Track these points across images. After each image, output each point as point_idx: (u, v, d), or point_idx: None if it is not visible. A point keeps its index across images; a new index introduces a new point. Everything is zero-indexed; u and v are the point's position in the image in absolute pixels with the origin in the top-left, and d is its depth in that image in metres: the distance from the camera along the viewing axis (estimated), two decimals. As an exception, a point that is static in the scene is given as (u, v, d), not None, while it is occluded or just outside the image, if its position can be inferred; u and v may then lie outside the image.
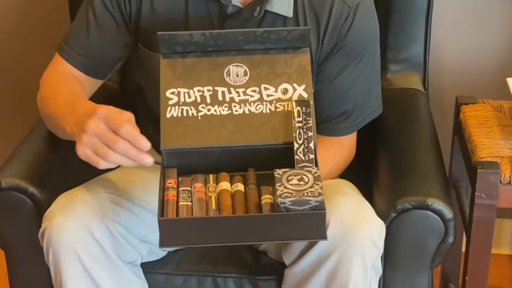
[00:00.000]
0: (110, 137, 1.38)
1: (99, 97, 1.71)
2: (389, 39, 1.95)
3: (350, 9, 1.61)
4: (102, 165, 1.40)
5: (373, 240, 1.49)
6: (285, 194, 1.36)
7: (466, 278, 1.71)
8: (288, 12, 1.60)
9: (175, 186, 1.44)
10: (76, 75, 1.67)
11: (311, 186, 1.37)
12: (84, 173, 1.65)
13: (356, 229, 1.48)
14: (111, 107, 1.42)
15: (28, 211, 1.60)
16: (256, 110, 1.49)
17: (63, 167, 1.69)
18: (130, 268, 1.58)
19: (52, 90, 1.61)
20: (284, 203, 1.36)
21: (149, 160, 1.39)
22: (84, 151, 1.41)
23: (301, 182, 1.38)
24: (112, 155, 1.38)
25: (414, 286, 1.62)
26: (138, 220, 1.58)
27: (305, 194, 1.36)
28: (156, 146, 1.53)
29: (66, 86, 1.62)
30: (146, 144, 1.39)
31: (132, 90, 1.80)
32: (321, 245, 1.49)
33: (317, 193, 1.36)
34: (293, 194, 1.36)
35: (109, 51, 1.68)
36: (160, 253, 1.68)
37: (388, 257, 1.59)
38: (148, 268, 1.64)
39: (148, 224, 1.59)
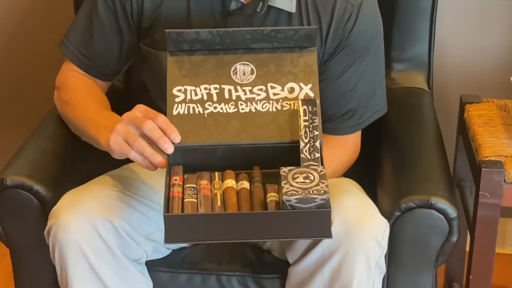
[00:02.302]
0: (142, 118, 1.43)
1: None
2: (393, 37, 1.95)
3: (353, 8, 1.61)
4: (131, 155, 1.44)
5: (376, 239, 1.49)
6: (290, 192, 1.36)
7: (470, 277, 1.71)
8: (291, 7, 1.60)
9: (181, 183, 1.44)
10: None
11: (317, 184, 1.38)
12: (90, 171, 1.66)
13: (360, 227, 1.48)
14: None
15: (33, 209, 1.60)
16: (263, 108, 1.50)
17: (68, 165, 1.69)
18: (135, 266, 1.58)
19: (76, 98, 1.65)
20: (289, 200, 1.36)
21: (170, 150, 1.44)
22: (116, 140, 1.45)
23: (307, 180, 1.38)
24: (144, 146, 1.42)
25: (418, 285, 1.61)
26: (144, 218, 1.58)
27: (311, 192, 1.36)
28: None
29: (92, 97, 1.66)
30: (178, 136, 1.44)
31: (137, 88, 1.80)
32: (324, 244, 1.49)
33: (322, 191, 1.36)
34: (299, 192, 1.36)
35: (113, 54, 1.68)
36: (165, 251, 1.68)
37: (392, 256, 1.59)
38: (152, 266, 1.64)
39: (153, 222, 1.59)
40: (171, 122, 1.46)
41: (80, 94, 1.65)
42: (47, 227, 1.53)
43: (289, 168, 1.41)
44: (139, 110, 1.47)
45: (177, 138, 1.44)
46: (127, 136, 1.44)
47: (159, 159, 1.43)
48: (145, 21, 1.64)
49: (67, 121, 1.69)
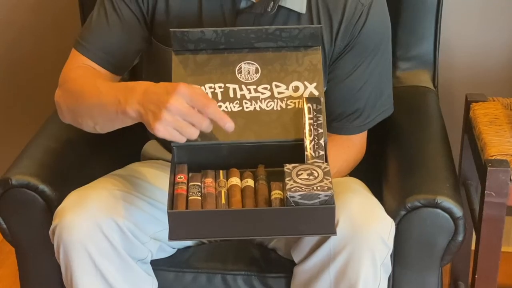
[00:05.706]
0: (197, 116, 1.40)
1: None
2: (399, 36, 1.95)
3: (363, 7, 1.60)
4: (184, 140, 1.41)
5: (382, 238, 1.49)
6: (294, 188, 1.36)
7: (476, 276, 1.71)
8: (301, 8, 1.59)
9: (185, 181, 1.45)
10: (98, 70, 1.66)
11: (321, 181, 1.37)
12: (95, 170, 1.66)
13: (366, 227, 1.48)
14: (191, 85, 1.43)
15: (38, 208, 1.61)
16: (267, 107, 1.50)
17: (73, 165, 1.70)
18: (140, 265, 1.58)
19: (84, 82, 1.58)
20: (293, 197, 1.36)
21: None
22: (166, 129, 1.40)
23: (311, 177, 1.38)
24: (197, 133, 1.40)
25: (424, 284, 1.61)
26: (148, 217, 1.58)
27: (315, 188, 1.36)
28: (166, 143, 1.53)
29: (100, 78, 1.61)
30: (231, 124, 1.42)
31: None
32: (330, 243, 1.49)
33: (326, 188, 1.36)
34: (303, 188, 1.36)
35: (130, 46, 1.66)
36: (170, 250, 1.68)
37: (397, 255, 1.59)
38: (158, 265, 1.64)
39: (159, 221, 1.59)
40: None
41: (87, 78, 1.59)
42: (52, 227, 1.53)
43: (293, 165, 1.41)
44: (184, 95, 1.39)
45: (231, 126, 1.42)
46: (179, 126, 1.39)
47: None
48: (157, 16, 1.64)
49: (77, 116, 1.59)
